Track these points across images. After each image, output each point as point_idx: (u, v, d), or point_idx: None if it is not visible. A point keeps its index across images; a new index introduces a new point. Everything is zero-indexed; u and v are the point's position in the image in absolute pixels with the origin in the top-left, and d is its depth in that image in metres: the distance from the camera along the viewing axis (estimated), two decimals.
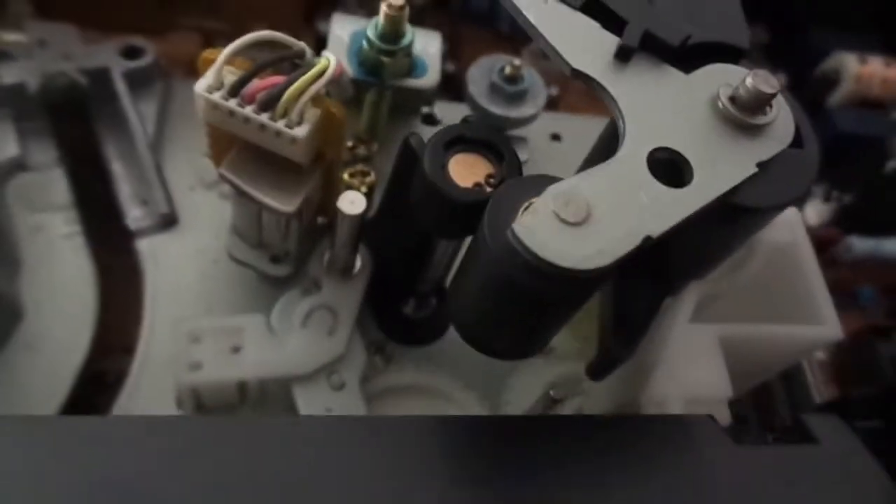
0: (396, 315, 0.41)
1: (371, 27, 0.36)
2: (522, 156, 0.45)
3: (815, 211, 0.61)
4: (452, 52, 0.61)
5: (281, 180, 0.33)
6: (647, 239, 0.25)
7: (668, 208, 0.25)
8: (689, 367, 0.29)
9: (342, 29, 0.38)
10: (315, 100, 0.31)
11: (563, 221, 0.24)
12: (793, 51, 0.68)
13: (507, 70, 0.40)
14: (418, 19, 0.64)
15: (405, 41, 0.36)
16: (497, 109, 0.40)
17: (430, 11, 0.63)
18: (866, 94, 0.64)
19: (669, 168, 0.26)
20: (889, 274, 0.58)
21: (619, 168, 0.26)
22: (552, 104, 0.60)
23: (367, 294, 0.38)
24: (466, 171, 0.30)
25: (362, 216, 0.33)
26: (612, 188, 0.25)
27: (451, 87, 0.55)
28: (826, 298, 0.32)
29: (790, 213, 0.34)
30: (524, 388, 0.40)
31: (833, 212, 0.61)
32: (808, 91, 0.66)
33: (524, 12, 0.29)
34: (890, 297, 0.58)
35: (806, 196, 0.62)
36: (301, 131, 0.30)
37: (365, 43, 0.36)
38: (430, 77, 0.39)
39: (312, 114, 0.31)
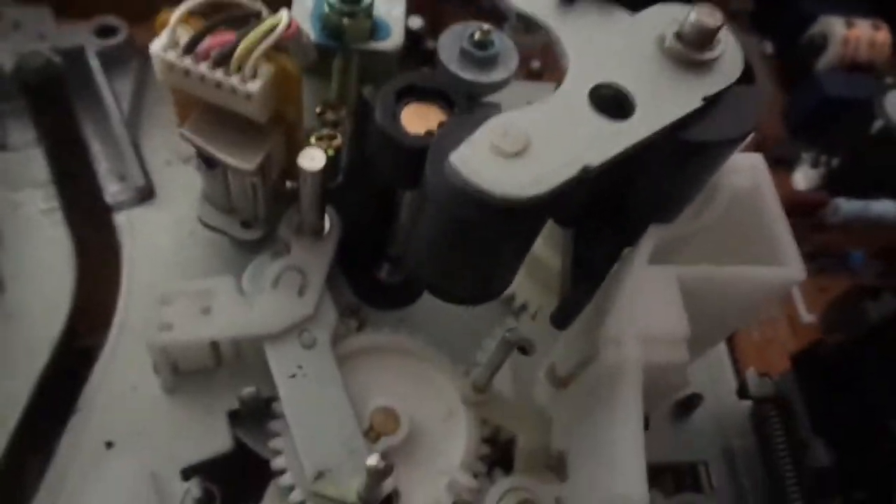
0: (370, 280, 0.41)
1: None
2: None
3: (804, 176, 0.61)
4: (434, 27, 0.61)
5: (241, 140, 0.34)
6: (586, 169, 0.25)
7: (608, 140, 0.25)
8: (647, 307, 0.29)
9: None
10: (269, 56, 0.31)
11: (501, 152, 0.24)
12: (780, 16, 0.67)
13: (477, 35, 0.40)
14: None
15: (365, 1, 0.36)
16: (467, 75, 0.40)
17: None
18: (854, 57, 0.63)
19: (613, 103, 0.26)
20: (879, 237, 0.57)
21: (560, 101, 0.26)
22: (536, 77, 0.60)
23: (341, 258, 0.39)
24: (419, 119, 0.30)
25: (323, 172, 0.33)
26: (552, 120, 0.25)
27: (433, 62, 0.55)
28: (790, 241, 0.32)
29: (753, 158, 0.34)
30: None
31: (822, 177, 0.60)
32: (797, 56, 0.65)
33: None
34: (880, 259, 0.57)
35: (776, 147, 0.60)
36: (254, 86, 0.30)
37: (325, 6, 0.37)
38: (394, 39, 0.39)
39: (266, 69, 0.31)
